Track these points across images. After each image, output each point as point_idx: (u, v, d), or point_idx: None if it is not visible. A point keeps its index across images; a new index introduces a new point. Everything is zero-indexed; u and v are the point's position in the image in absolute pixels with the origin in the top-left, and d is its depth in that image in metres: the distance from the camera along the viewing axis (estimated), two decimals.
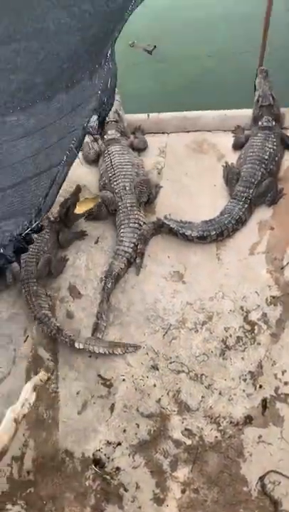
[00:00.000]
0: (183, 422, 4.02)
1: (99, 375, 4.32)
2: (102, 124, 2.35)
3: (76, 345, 4.35)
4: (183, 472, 3.84)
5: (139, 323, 4.50)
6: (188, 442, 3.94)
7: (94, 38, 3.23)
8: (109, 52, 2.50)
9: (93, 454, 4.01)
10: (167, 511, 3.73)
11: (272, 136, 4.97)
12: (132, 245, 4.78)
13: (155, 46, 6.49)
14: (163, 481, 3.84)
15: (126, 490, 3.86)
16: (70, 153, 2.05)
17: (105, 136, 5.41)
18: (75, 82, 2.66)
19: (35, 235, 4.77)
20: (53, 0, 3.73)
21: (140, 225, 4.89)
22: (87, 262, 4.95)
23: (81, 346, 4.34)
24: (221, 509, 3.68)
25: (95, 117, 2.28)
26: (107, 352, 4.35)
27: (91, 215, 5.12)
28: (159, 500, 3.78)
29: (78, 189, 4.95)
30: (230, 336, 4.30)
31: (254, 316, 4.34)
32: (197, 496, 3.75)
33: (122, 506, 3.81)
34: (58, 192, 2.16)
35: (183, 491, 3.78)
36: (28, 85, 3.31)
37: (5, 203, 2.17)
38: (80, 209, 4.95)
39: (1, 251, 1.88)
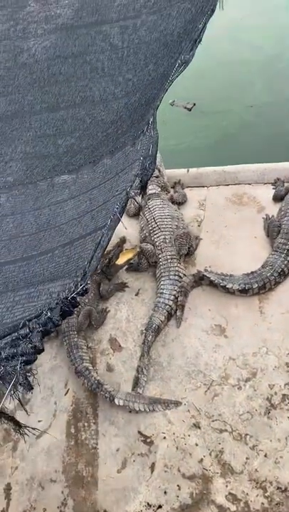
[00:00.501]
0: (227, 486, 3.83)
1: (139, 432, 4.23)
2: (144, 188, 2.46)
3: (116, 401, 4.31)
4: None
5: (180, 378, 4.43)
6: (233, 508, 3.72)
7: (137, 104, 3.44)
8: (152, 119, 2.64)
9: None
10: None
11: None
12: (172, 297, 4.80)
13: (194, 104, 6.78)
14: None
15: None
16: (113, 217, 2.15)
17: (146, 191, 5.60)
18: (118, 147, 2.81)
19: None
20: (98, 70, 4.04)
21: (180, 277, 4.92)
22: (128, 314, 4.99)
23: (121, 403, 4.30)
24: None
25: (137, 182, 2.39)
26: (147, 409, 4.28)
27: (132, 267, 5.21)
28: None
29: (123, 241, 5.09)
30: (276, 393, 4.14)
31: None
32: None
33: None
34: (102, 255, 2.24)
35: None
36: (74, 149, 3.53)
37: (52, 264, 2.27)
38: (120, 260, 5.07)
39: (49, 314, 1.95)
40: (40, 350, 1.97)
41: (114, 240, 5.24)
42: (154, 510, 3.85)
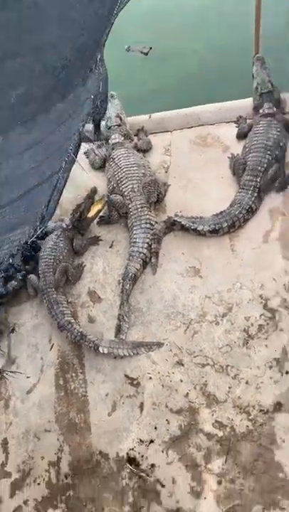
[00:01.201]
0: (213, 415, 4.04)
1: (125, 375, 4.37)
2: (97, 127, 2.42)
3: (101, 350, 4.41)
4: (217, 464, 3.85)
5: (160, 321, 4.54)
6: (220, 434, 3.95)
7: (85, 44, 3.32)
8: (99, 56, 2.57)
9: (127, 454, 4.07)
10: (205, 504, 3.75)
11: (275, 122, 4.96)
12: (145, 246, 4.84)
13: (151, 48, 6.52)
14: (198, 474, 3.86)
15: (163, 485, 3.89)
16: (68, 159, 2.12)
17: (109, 141, 5.50)
18: (70, 90, 2.74)
19: (51, 244, 4.91)
20: (44, 15, 3.85)
21: (152, 224, 4.94)
22: (104, 266, 5.03)
23: (106, 351, 4.41)
24: (258, 497, 3.68)
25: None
26: (131, 353, 4.40)
27: (103, 220, 5.20)
28: (196, 493, 3.81)
29: (94, 191, 5.04)
30: (252, 324, 4.30)
31: (274, 303, 4.33)
32: (234, 486, 3.76)
33: (160, 502, 3.85)
34: (59, 198, 2.23)
35: (219, 483, 3.79)
36: (26, 99, 3.42)
37: (13, 214, 2.25)
38: (90, 212, 5.05)
39: (10, 261, 1.96)
40: (3, 295, 1.98)
41: (84, 192, 5.21)
42: (147, 445, 4.06)
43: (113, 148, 5.39)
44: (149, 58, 6.46)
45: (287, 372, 4.03)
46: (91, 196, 5.07)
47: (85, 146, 5.80)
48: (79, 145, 2.34)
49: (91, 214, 5.07)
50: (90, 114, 2.31)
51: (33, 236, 2.03)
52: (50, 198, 2.14)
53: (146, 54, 6.65)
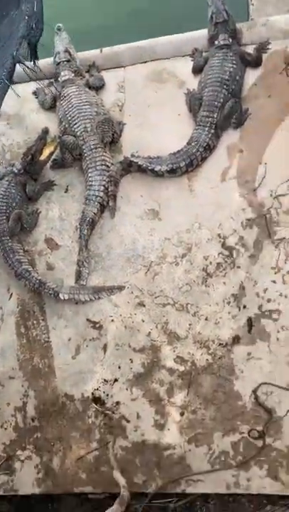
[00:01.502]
0: (174, 351, 4.13)
1: (88, 320, 4.38)
2: (34, 52, 2.20)
3: (61, 296, 4.37)
4: (180, 397, 4.00)
5: (120, 265, 4.51)
6: (182, 369, 4.07)
7: None
8: None
9: (92, 394, 4.15)
10: (169, 434, 3.92)
11: (231, 54, 4.75)
12: (102, 188, 4.70)
13: None
14: (162, 408, 4.01)
15: (128, 421, 4.02)
16: (1, 85, 1.93)
17: (59, 79, 5.16)
18: (4, 15, 2.47)
19: (2, 190, 4.68)
20: None
21: (108, 166, 4.77)
22: (60, 212, 4.87)
23: (66, 297, 4.36)
24: (219, 425, 3.87)
25: None
26: (92, 298, 4.38)
27: (56, 164, 4.98)
28: (160, 426, 3.96)
29: (45, 132, 4.77)
30: (210, 263, 4.33)
31: (232, 241, 4.35)
32: (195, 416, 3.93)
33: (125, 436, 3.99)
34: None
35: (182, 414, 3.95)
36: None
37: None
38: (42, 155, 4.81)
39: None
40: None
41: (35, 134, 4.95)
42: (111, 384, 4.15)
43: (63, 86, 5.07)
44: None
45: (244, 307, 4.13)
46: (42, 137, 4.81)
47: (34, 85, 5.44)
48: (12, 70, 2.13)
49: (43, 157, 4.83)
50: (25, 36, 2.09)
51: None
52: None
53: None
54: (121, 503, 2.91)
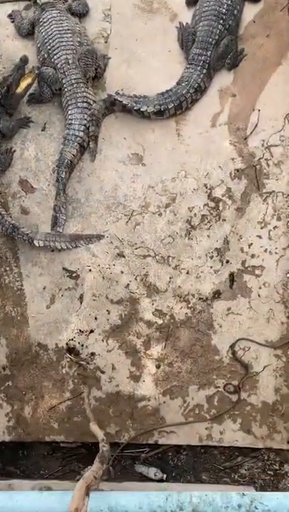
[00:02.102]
0: (153, 304, 4.01)
1: (64, 269, 4.18)
2: None
3: (36, 243, 4.12)
4: (156, 350, 3.92)
5: (100, 212, 4.26)
6: (160, 322, 3.97)
7: None
8: None
9: (67, 344, 4.03)
10: (144, 386, 3.87)
11: None
12: (82, 128, 4.34)
13: None
14: (138, 360, 3.93)
15: (102, 372, 3.94)
16: None
17: (38, 1, 4.62)
18: None
19: None
20: None
21: (90, 104, 4.38)
22: (36, 152, 4.50)
23: (41, 244, 4.12)
24: (195, 378, 3.84)
25: None
26: (69, 246, 4.16)
27: (33, 98, 4.55)
28: (135, 377, 3.90)
29: (24, 61, 4.29)
30: (195, 215, 4.14)
31: (218, 192, 4.15)
32: (171, 369, 3.88)
33: (100, 387, 3.93)
34: None
35: (158, 366, 3.89)
36: None
37: None
38: (18, 88, 4.37)
39: None
40: None
41: (11, 64, 4.49)
42: (87, 335, 4.02)
43: (43, 10, 4.55)
44: None
45: (227, 262, 4.00)
46: (20, 67, 4.33)
47: (10, 7, 4.88)
48: None
49: (20, 89, 4.38)
50: None
51: None
52: None
53: None
54: (101, 460, 2.83)
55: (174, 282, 4.02)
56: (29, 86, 4.40)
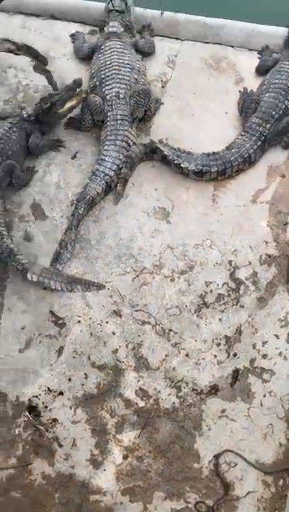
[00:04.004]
0: (139, 381, 3.45)
1: (51, 312, 3.67)
2: None
3: (29, 276, 3.65)
4: (129, 436, 3.32)
5: (107, 259, 3.81)
6: (141, 404, 3.39)
7: None
8: None
9: (29, 400, 3.44)
10: (103, 476, 3.24)
11: None
12: (114, 167, 3.97)
13: None
14: (104, 443, 3.32)
15: (60, 445, 3.33)
16: None
17: (105, 29, 4.40)
18: None
19: (0, 133, 3.92)
20: None
21: (129, 144, 4.05)
22: (59, 178, 4.13)
23: (34, 279, 3.65)
24: (164, 483, 3.21)
25: None
26: (64, 288, 3.68)
27: (72, 123, 4.24)
28: (95, 463, 3.28)
29: (78, 84, 4.02)
30: (211, 291, 3.66)
31: (242, 274, 3.70)
32: (140, 464, 3.26)
33: (52, 462, 3.29)
34: None
35: (125, 457, 3.27)
36: None
37: None
38: (62, 108, 4.07)
39: None
40: None
41: (60, 83, 4.21)
42: (54, 396, 3.44)
43: (107, 38, 4.32)
44: None
45: (234, 355, 3.48)
46: (72, 88, 4.04)
47: (75, 27, 4.70)
48: None
49: (62, 110, 4.07)
50: None
51: None
52: None
53: None
54: None
55: (169, 362, 3.48)
56: (72, 108, 4.10)
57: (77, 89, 4.05)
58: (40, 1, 4.75)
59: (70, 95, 4.09)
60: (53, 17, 4.74)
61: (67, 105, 4.06)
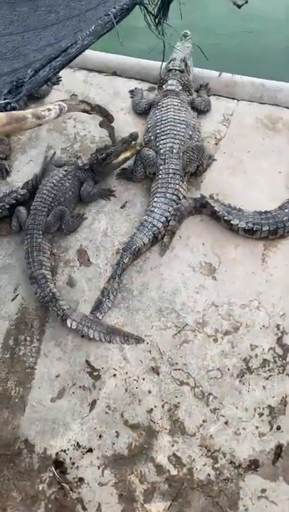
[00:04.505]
0: (173, 446, 3.24)
1: (87, 362, 3.57)
2: (166, 4, 1.49)
3: (68, 322, 3.60)
4: (158, 507, 3.08)
5: (149, 312, 3.71)
6: (174, 472, 3.16)
7: None
8: None
9: (56, 454, 3.29)
10: None
11: None
12: (163, 219, 3.96)
13: (247, 1, 5.52)
14: (130, 511, 3.09)
15: (84, 508, 3.13)
16: (103, 20, 1.23)
17: (164, 86, 4.54)
18: None
19: (55, 180, 4.04)
20: None
21: (179, 197, 4.04)
22: (107, 226, 4.14)
23: (74, 326, 3.60)
24: None
25: None
26: (102, 339, 3.59)
27: (124, 174, 4.31)
28: None
29: (134, 137, 4.13)
30: (256, 356, 3.46)
31: None
32: None
33: None
34: (60, 67, 1.33)
35: None
36: None
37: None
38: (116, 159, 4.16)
39: None
40: None
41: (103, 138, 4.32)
42: (83, 453, 3.28)
43: (165, 95, 4.44)
44: (240, 12, 5.47)
45: (278, 428, 3.22)
46: (127, 141, 4.14)
47: (134, 84, 4.89)
48: (128, 9, 1.43)
49: (116, 161, 4.16)
50: None
51: None
52: (48, 62, 1.27)
53: (239, 7, 5.64)
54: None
55: (207, 429, 3.26)
56: (126, 160, 4.17)
57: (132, 142, 4.14)
58: (103, 58, 5.01)
59: (126, 148, 4.18)
60: (115, 73, 4.96)
61: (122, 157, 4.14)
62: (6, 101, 1.18)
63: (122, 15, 1.41)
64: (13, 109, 1.20)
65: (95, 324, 3.64)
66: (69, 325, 3.59)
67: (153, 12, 1.71)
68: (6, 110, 1.19)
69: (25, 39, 1.52)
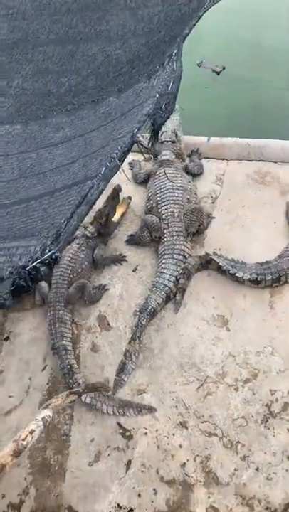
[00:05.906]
0: (209, 497, 3.38)
1: (118, 424, 3.77)
2: (155, 134, 1.88)
3: (83, 397, 3.78)
4: None
5: (171, 369, 3.94)
6: None
7: (159, 42, 2.83)
8: (175, 51, 2.05)
9: None
10: None
11: None
12: (173, 279, 4.27)
13: (224, 68, 6.09)
14: None
15: None
16: (110, 164, 1.59)
17: (159, 157, 4.99)
18: (129, 84, 2.22)
19: (70, 253, 4.38)
20: (119, 1, 3.39)
21: (185, 257, 4.37)
22: (122, 291, 4.46)
23: (88, 401, 3.80)
24: None
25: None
26: (116, 413, 3.78)
27: (132, 240, 4.67)
28: None
29: (118, 190, 4.57)
30: (277, 400, 3.65)
31: None
32: None
33: None
34: (85, 214, 1.68)
35: None
36: (78, 89, 2.94)
37: (24, 218, 1.73)
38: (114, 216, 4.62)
39: None
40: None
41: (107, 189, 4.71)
42: None
43: (161, 165, 4.88)
44: (218, 78, 6.02)
45: None
46: (115, 196, 4.56)
47: (131, 157, 5.34)
48: (127, 150, 1.81)
49: (115, 217, 4.58)
50: (151, 115, 1.79)
51: (36, 260, 1.48)
52: (74, 210, 1.61)
53: (218, 73, 6.21)
54: None
55: (240, 477, 3.41)
56: (124, 214, 4.62)
57: (122, 198, 4.58)
58: None
59: (117, 202, 4.61)
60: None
61: (119, 213, 4.57)
62: (52, 252, 1.48)
63: (124, 155, 1.78)
64: (57, 258, 1.50)
65: (107, 400, 3.80)
66: (83, 399, 3.79)
67: (146, 145, 2.10)
68: (52, 259, 1.49)
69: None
